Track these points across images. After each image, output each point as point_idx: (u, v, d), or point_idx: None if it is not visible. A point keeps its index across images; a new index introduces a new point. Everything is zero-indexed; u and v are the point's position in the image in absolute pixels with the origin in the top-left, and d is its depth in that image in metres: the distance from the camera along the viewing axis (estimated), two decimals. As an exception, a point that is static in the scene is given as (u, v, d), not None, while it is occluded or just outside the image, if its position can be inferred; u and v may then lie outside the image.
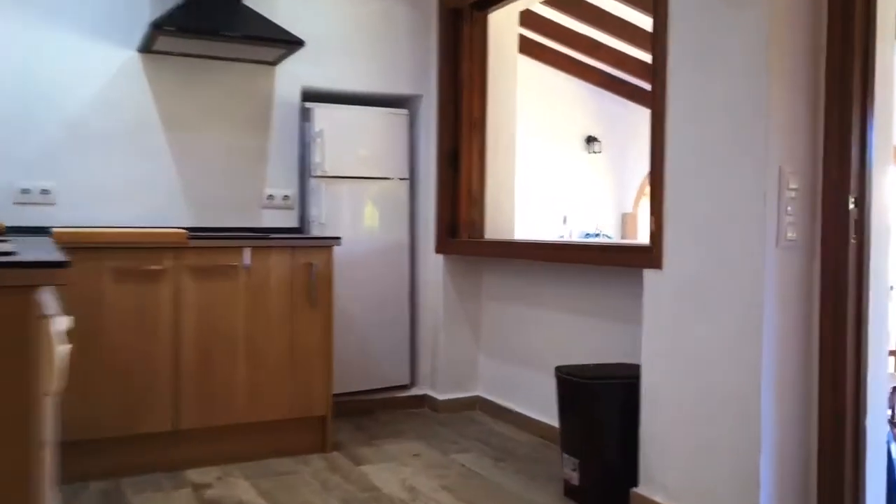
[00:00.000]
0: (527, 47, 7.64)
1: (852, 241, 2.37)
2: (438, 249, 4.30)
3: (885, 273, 2.55)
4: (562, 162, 8.75)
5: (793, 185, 2.41)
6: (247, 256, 3.30)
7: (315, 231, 4.06)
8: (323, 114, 4.10)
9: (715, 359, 2.53)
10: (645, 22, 5.88)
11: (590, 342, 3.52)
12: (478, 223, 4.29)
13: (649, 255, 2.75)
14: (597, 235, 8.88)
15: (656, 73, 2.74)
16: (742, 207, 2.44)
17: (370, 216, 4.28)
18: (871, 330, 2.42)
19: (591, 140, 8.93)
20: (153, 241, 3.15)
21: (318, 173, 4.09)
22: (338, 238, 3.54)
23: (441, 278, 4.29)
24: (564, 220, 8.90)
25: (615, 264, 3.03)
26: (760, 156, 2.39)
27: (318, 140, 4.07)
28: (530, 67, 8.05)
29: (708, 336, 2.55)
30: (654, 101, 2.76)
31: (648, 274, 2.78)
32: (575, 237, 8.76)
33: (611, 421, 2.84)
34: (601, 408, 2.85)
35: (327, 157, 4.10)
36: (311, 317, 3.45)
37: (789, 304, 2.43)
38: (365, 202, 4.26)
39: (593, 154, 8.91)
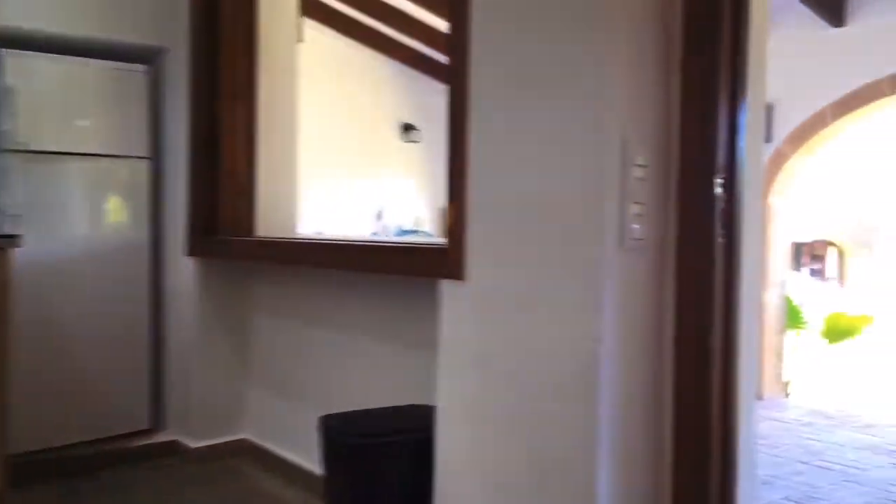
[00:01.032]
0: (330, 18, 6.74)
1: (719, 239, 1.67)
2: (191, 251, 3.29)
3: (759, 284, 1.90)
4: (375, 151, 7.93)
5: (641, 161, 1.67)
6: None
7: (6, 226, 2.92)
8: (17, 64, 2.96)
9: (535, 407, 1.75)
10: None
11: (385, 373, 2.67)
12: (245, 218, 3.32)
13: (446, 261, 1.94)
14: (414, 232, 8.13)
15: (456, 30, 1.93)
16: (572, 194, 1.67)
17: (93, 207, 3.19)
18: (742, 361, 1.74)
19: (408, 128, 8.17)
20: None
21: (11, 146, 2.94)
22: (14, 237, 2.45)
23: (195, 289, 3.28)
24: (379, 216, 8.08)
25: (400, 272, 2.19)
26: (596, 122, 1.63)
27: (10, 100, 2.92)
28: (338, 45, 7.16)
29: (526, 373, 1.77)
30: (454, 60, 1.95)
31: (447, 286, 1.97)
32: (391, 234, 7.98)
33: (392, 495, 2.00)
34: (378, 477, 2.00)
35: (24, 125, 2.96)
36: (-31, 352, 2.34)
37: (637, 330, 1.70)
38: (85, 188, 3.17)
39: (410, 143, 8.15)
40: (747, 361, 1.79)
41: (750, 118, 1.75)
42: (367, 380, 2.71)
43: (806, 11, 5.16)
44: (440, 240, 2.02)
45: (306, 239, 3.21)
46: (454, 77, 1.96)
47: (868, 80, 5.00)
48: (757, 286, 1.91)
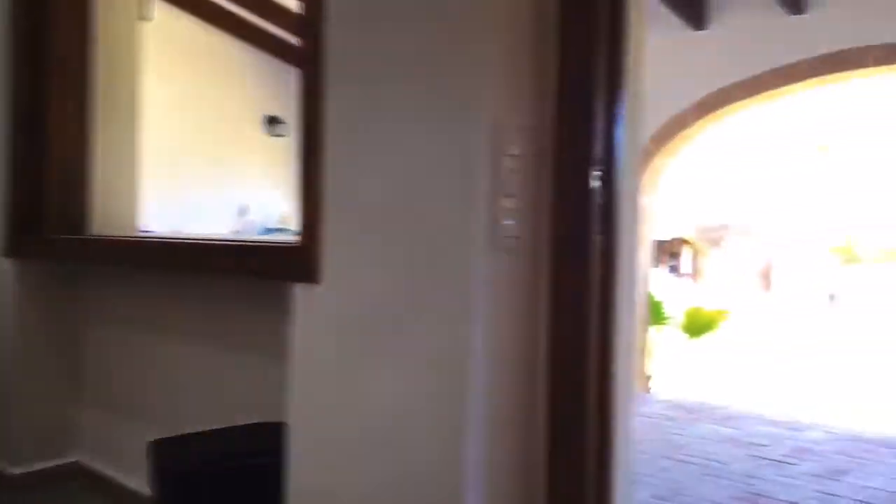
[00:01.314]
0: (187, 1, 6.30)
1: (597, 236, 1.54)
2: (9, 251, 2.86)
3: (634, 283, 1.79)
4: (238, 144, 7.51)
5: (514, 151, 1.51)
6: None
7: None
8: None
9: (398, 422, 1.56)
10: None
11: (237, 387, 2.39)
12: (76, 214, 2.93)
13: (299, 262, 1.71)
14: (280, 230, 7.77)
15: (309, 8, 1.70)
16: (438, 187, 1.49)
17: None
18: (619, 363, 1.62)
19: (273, 121, 7.80)
20: None
21: None
22: None
23: (14, 295, 2.85)
24: (242, 212, 7.67)
25: (248, 274, 1.94)
26: (466, 107, 1.46)
27: None
28: (196, 30, 6.71)
29: (387, 386, 1.58)
30: (307, 41, 1.72)
31: (300, 290, 1.74)
32: (256, 232, 7.58)
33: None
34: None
35: None
36: None
37: (510, 335, 1.55)
38: None
39: (276, 137, 7.78)
40: (625, 363, 1.68)
41: (628, 109, 1.63)
42: (216, 395, 2.43)
43: (668, 14, 5.27)
44: (295, 239, 1.79)
45: (144, 238, 2.88)
46: (307, 60, 1.75)
47: (727, 83, 5.17)
48: (632, 285, 1.80)
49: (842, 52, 4.80)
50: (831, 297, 22.81)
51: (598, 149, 1.53)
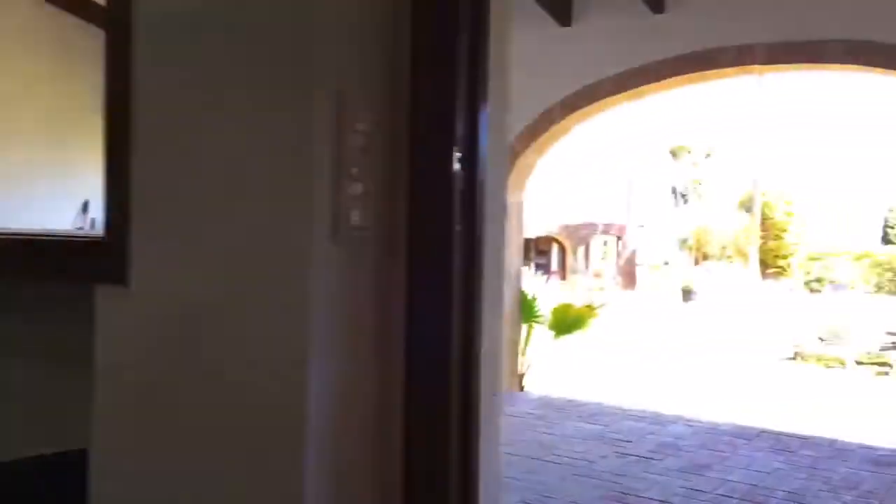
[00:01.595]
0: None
1: (457, 227, 1.34)
2: None
3: (502, 285, 1.60)
4: (78, 134, 6.87)
5: (361, 126, 1.29)
6: None
7: None
8: None
9: (222, 451, 1.30)
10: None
11: (46, 411, 2.03)
12: None
13: (102, 260, 1.41)
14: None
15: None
16: (269, 168, 1.25)
17: None
18: (486, 377, 1.43)
19: (121, 109, 7.20)
20: None
21: None
22: None
23: None
24: (85, 207, 7.02)
25: (37, 275, 1.62)
26: (302, 73, 1.23)
27: None
28: (36, 8, 6.07)
29: (210, 407, 1.31)
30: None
31: (104, 293, 1.43)
32: (102, 229, 6.98)
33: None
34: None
35: None
36: None
37: (358, 340, 1.33)
38: None
39: (126, 127, 7.20)
40: (490, 363, 1.49)
41: (493, 88, 1.44)
42: (18, 418, 2.06)
43: (535, 9, 5.21)
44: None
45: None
46: (112, 19, 1.45)
47: (594, 80, 5.16)
48: (499, 280, 1.62)
49: (699, 52, 4.89)
50: (686, 294, 24.02)
51: (459, 127, 1.33)
